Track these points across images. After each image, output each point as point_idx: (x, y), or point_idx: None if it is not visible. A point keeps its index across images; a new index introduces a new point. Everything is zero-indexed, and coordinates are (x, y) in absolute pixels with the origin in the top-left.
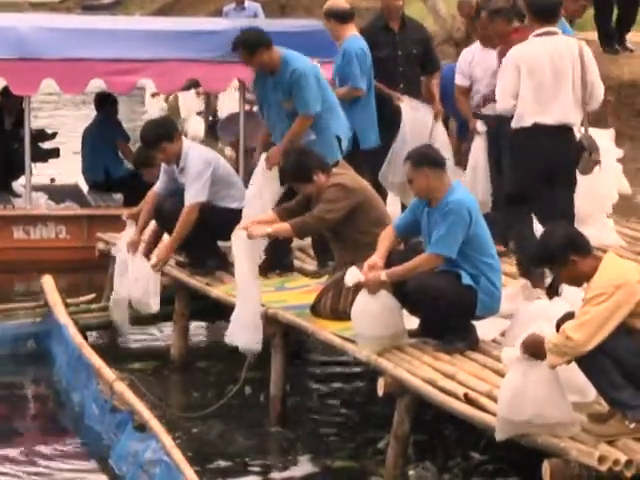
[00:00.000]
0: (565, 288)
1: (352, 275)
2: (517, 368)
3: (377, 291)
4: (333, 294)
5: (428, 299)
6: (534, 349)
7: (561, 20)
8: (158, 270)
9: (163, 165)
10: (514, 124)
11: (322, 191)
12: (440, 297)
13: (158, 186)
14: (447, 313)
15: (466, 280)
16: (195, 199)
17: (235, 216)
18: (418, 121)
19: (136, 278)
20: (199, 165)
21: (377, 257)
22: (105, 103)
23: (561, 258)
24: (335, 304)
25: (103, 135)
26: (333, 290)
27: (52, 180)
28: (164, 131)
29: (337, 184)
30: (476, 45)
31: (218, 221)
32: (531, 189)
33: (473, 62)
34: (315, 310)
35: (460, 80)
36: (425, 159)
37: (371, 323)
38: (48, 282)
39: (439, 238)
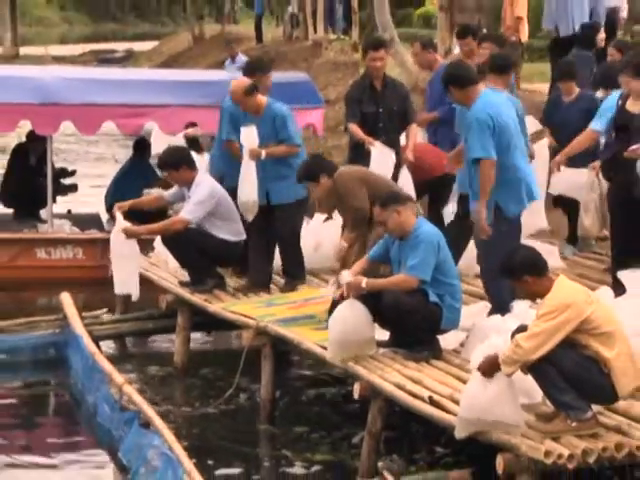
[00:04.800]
0: (515, 305)
1: (343, 276)
2: (477, 376)
3: (357, 294)
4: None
5: (402, 313)
6: (489, 368)
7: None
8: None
9: None
10: None
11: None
12: (412, 311)
13: (168, 193)
14: (417, 326)
15: (433, 298)
16: (188, 215)
17: (227, 247)
18: (382, 164)
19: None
20: (205, 194)
21: (354, 271)
22: (142, 146)
23: (517, 276)
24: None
25: (132, 172)
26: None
27: (69, 211)
28: (185, 156)
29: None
30: None
31: (213, 248)
32: None
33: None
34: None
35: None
36: (392, 198)
37: (344, 329)
38: (66, 298)
39: (416, 263)
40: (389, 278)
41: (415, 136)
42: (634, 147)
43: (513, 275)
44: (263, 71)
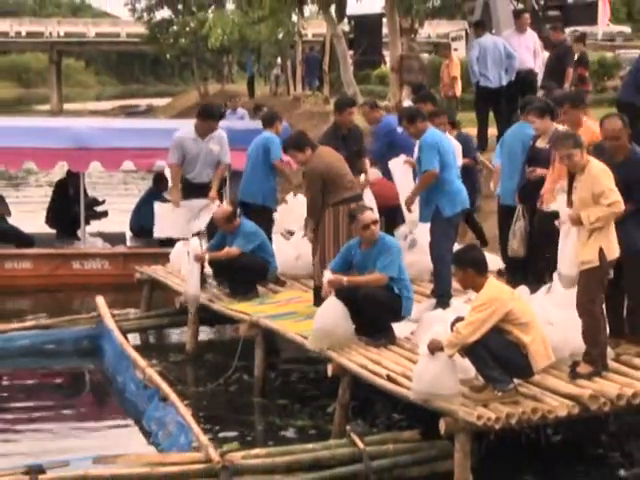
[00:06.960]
0: (454, 301)
1: (325, 275)
2: (424, 357)
3: (337, 288)
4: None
5: (377, 302)
6: (434, 348)
7: None
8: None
9: (176, 140)
10: None
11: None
12: (384, 301)
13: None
14: (386, 312)
15: (396, 291)
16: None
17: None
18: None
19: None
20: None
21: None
22: (159, 180)
23: (463, 265)
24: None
25: (150, 200)
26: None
27: (100, 233)
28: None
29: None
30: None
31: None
32: None
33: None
34: None
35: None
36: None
37: (326, 323)
38: (100, 300)
39: (386, 264)
40: (366, 276)
41: (367, 167)
42: (530, 169)
43: (461, 262)
44: (277, 120)
